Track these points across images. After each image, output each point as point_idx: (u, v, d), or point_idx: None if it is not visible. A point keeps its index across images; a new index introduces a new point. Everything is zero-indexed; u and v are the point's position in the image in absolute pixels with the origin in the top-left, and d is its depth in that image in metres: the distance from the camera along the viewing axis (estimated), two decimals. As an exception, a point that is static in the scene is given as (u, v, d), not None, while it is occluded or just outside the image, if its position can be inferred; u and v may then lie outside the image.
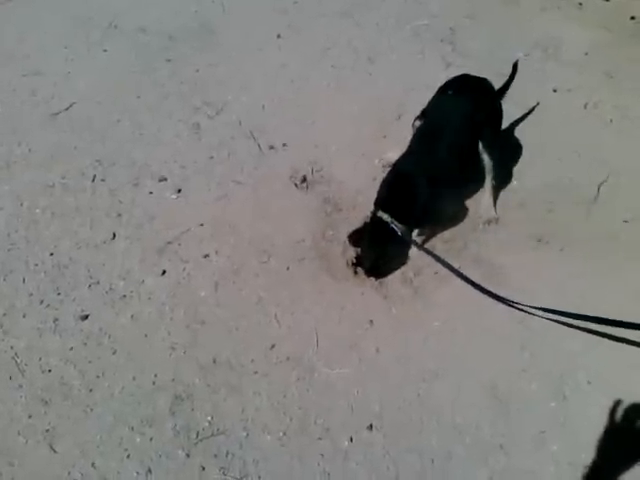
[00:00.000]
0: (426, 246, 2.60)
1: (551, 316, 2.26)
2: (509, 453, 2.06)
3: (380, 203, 2.54)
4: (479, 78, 2.73)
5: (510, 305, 2.32)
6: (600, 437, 2.08)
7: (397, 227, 2.46)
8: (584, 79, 3.40)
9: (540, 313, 2.28)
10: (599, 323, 2.15)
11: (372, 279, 2.57)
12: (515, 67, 2.83)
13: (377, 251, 2.53)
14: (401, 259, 2.63)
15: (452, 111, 2.61)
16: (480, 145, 2.65)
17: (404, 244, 2.57)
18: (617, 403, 2.13)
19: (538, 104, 3.24)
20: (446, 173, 2.55)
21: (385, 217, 2.46)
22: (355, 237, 2.57)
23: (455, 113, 2.59)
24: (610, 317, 2.09)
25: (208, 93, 3.45)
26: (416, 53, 3.67)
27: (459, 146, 2.57)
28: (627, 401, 2.13)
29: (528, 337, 2.33)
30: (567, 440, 2.08)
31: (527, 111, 3.20)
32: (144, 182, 2.96)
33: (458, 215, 2.77)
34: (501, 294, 2.32)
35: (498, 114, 2.77)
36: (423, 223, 2.63)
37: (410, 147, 2.62)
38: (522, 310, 2.31)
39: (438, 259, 2.43)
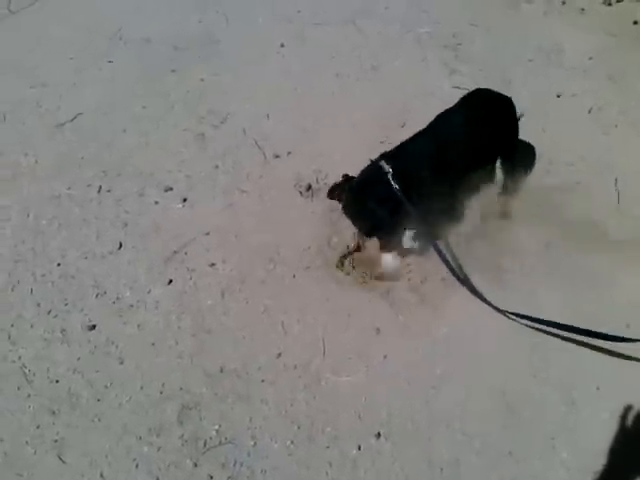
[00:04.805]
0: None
1: (554, 330, 2.24)
2: (519, 460, 2.05)
3: (384, 154, 2.36)
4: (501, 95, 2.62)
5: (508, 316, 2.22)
6: (610, 443, 2.06)
7: (393, 182, 2.23)
8: (588, 84, 3.40)
9: (543, 327, 2.24)
10: (605, 339, 2.11)
11: (379, 286, 2.55)
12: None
13: (363, 204, 2.31)
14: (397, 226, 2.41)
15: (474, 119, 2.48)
16: (498, 161, 2.61)
17: (397, 208, 2.27)
18: (627, 408, 2.12)
19: (542, 110, 3.23)
20: (455, 164, 2.40)
21: (385, 167, 2.26)
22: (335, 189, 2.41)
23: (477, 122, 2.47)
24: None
25: (213, 102, 3.47)
26: (419, 60, 3.68)
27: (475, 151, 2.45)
28: (637, 406, 2.12)
29: (537, 343, 2.32)
30: (577, 446, 2.07)
31: (531, 117, 3.19)
32: (150, 192, 2.97)
33: (461, 211, 2.69)
34: (507, 298, 2.29)
35: (516, 131, 2.68)
36: (421, 193, 2.31)
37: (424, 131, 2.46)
38: (523, 322, 2.24)
39: (430, 237, 2.33)
